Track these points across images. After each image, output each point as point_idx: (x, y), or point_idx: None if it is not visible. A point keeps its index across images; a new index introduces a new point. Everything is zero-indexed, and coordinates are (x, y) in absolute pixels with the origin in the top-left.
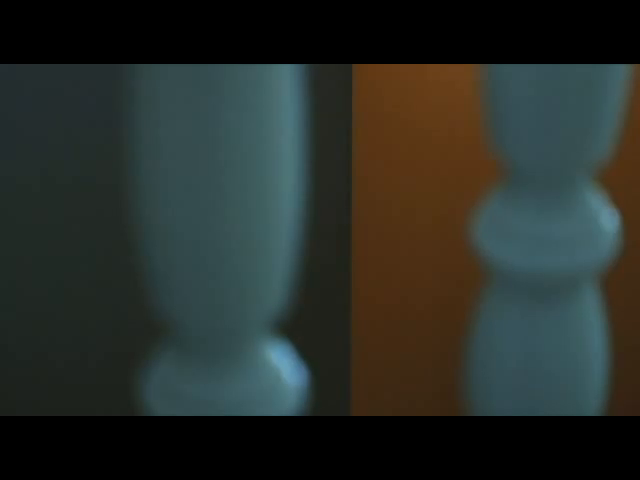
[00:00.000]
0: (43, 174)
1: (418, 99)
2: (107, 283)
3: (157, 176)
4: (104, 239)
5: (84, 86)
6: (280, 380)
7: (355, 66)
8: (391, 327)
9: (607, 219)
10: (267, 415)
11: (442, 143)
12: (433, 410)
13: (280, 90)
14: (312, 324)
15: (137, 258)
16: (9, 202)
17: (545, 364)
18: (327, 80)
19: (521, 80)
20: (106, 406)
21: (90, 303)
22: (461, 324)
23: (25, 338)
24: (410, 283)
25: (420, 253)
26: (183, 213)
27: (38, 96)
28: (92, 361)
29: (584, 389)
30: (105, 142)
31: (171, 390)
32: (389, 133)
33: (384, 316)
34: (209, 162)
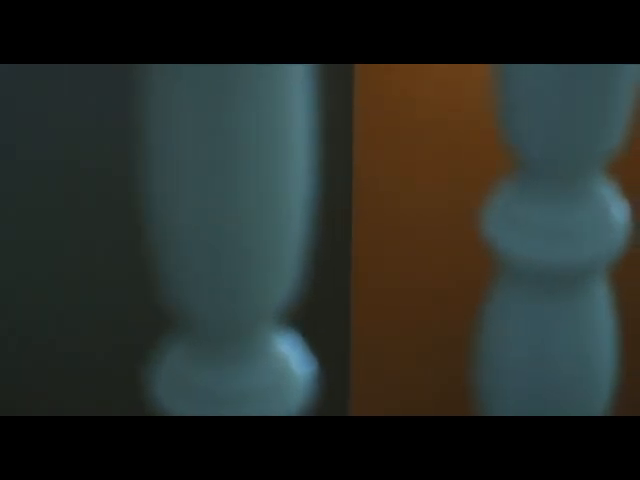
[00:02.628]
0: (50, 167)
1: (421, 88)
2: (114, 275)
3: (169, 170)
4: (110, 231)
5: (94, 85)
6: (289, 370)
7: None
8: (392, 321)
9: (618, 211)
10: (276, 406)
11: (445, 134)
12: (435, 406)
13: (290, 89)
14: (311, 320)
15: (147, 249)
16: (25, 189)
17: (554, 357)
18: (327, 71)
19: (532, 73)
20: (114, 400)
21: (97, 295)
22: (464, 316)
23: (30, 332)
24: (413, 276)
25: (423, 245)
26: (194, 206)
27: (51, 94)
28: (98, 354)
29: (593, 382)
30: (114, 137)
31: (180, 381)
32: (391, 121)
33: (385, 311)
34: (220, 157)
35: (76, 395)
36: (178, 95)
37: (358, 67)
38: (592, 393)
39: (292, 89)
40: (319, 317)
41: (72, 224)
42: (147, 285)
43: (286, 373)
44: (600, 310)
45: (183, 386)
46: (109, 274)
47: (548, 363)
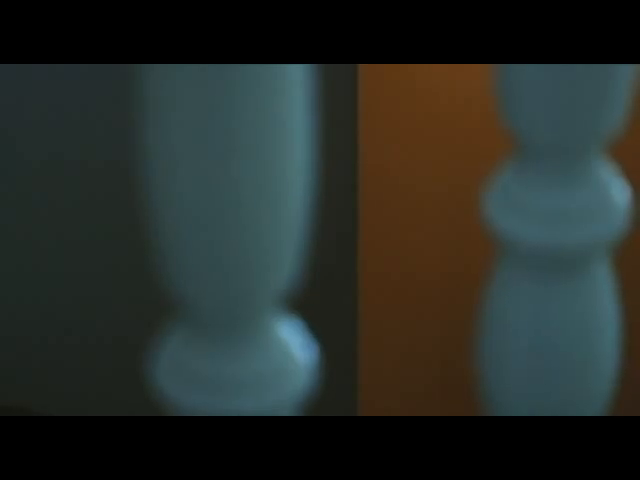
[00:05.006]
0: (52, 157)
1: (424, 78)
2: (116, 265)
3: (169, 161)
4: (112, 221)
5: (98, 84)
6: (290, 356)
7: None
8: (399, 308)
9: (619, 192)
10: (277, 391)
11: (449, 123)
12: (441, 399)
13: (290, 87)
14: (317, 309)
15: (148, 238)
16: (22, 184)
17: (557, 339)
18: (331, 67)
19: None
20: (116, 390)
21: (98, 284)
22: (473, 304)
23: (32, 323)
24: (419, 262)
25: (429, 232)
26: (194, 193)
27: (54, 92)
28: (100, 344)
29: (596, 363)
30: (116, 128)
31: (181, 368)
32: (396, 108)
33: (392, 297)
34: (220, 148)
35: (84, 379)
36: (178, 94)
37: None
38: (595, 374)
39: (291, 87)
40: (325, 305)
41: (68, 217)
42: (144, 276)
43: (287, 359)
44: (602, 292)
45: (184, 373)
46: (114, 261)
47: (550, 345)
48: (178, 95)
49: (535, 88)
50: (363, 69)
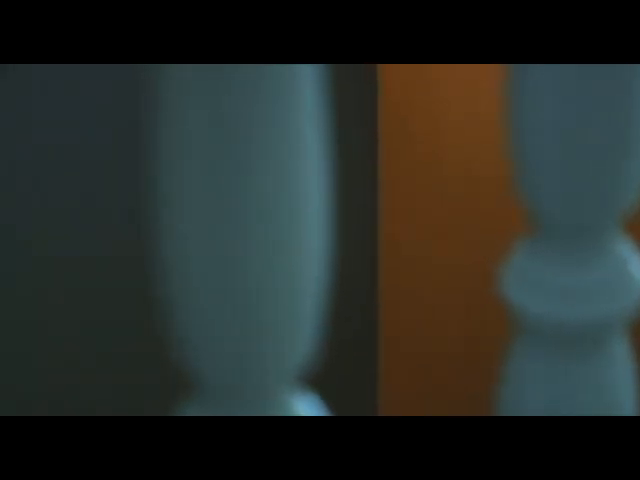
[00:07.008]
0: (52, 158)
1: (443, 150)
2: (117, 264)
3: (181, 211)
4: (113, 220)
5: (99, 84)
6: None
7: (380, 69)
8: (419, 340)
9: (636, 268)
10: None
11: (466, 195)
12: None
13: (302, 91)
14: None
15: (149, 242)
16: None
17: (574, 415)
18: (353, 83)
19: (547, 135)
20: (116, 391)
21: (99, 284)
22: (488, 330)
23: (32, 323)
24: (436, 330)
25: (446, 302)
26: (206, 251)
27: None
28: (100, 344)
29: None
30: (116, 128)
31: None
32: (414, 180)
33: (412, 333)
34: (232, 204)
35: (75, 393)
36: (187, 99)
37: (382, 75)
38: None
39: (304, 91)
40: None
41: (68, 217)
42: (144, 274)
43: None
44: (620, 369)
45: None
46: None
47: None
48: (182, 101)
49: (552, 168)
50: (382, 128)
